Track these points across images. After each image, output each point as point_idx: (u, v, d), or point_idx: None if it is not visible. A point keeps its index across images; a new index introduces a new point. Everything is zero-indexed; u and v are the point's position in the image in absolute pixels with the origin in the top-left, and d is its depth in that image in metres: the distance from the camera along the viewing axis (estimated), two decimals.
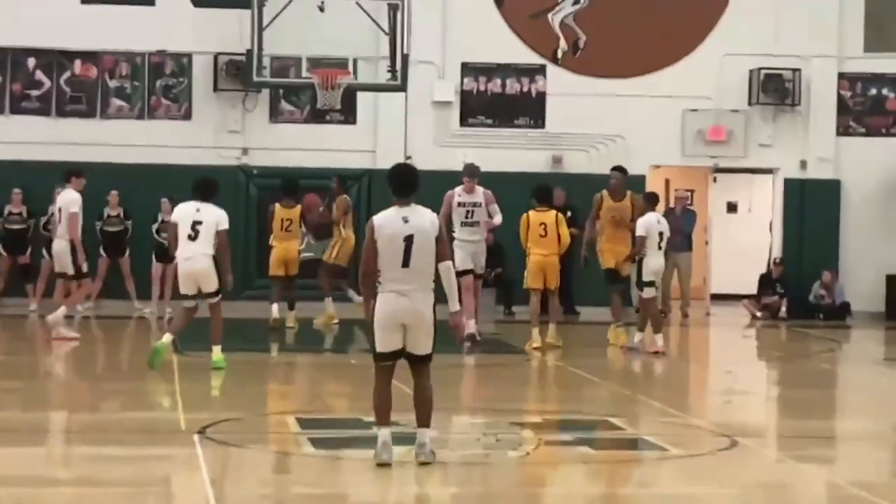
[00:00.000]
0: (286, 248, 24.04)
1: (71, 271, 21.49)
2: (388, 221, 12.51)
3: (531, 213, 21.86)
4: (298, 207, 24.19)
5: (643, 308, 22.25)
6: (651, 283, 21.96)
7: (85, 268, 21.73)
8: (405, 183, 12.72)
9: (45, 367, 20.51)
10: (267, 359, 21.14)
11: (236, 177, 27.62)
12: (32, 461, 13.01)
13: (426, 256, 12.41)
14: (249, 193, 27.90)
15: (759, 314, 28.64)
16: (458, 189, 22.22)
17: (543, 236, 21.66)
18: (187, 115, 28.22)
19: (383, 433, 12.47)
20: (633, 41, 28.90)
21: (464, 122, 28.87)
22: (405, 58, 25.63)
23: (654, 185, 29.52)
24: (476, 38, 28.62)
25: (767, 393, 20.44)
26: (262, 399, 17.28)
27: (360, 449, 13.20)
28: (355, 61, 25.58)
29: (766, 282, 29.09)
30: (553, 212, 22.06)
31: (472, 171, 22.48)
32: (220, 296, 18.47)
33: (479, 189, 22.20)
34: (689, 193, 30.70)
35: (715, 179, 30.86)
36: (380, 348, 12.51)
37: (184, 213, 18.27)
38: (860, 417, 17.56)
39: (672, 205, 29.57)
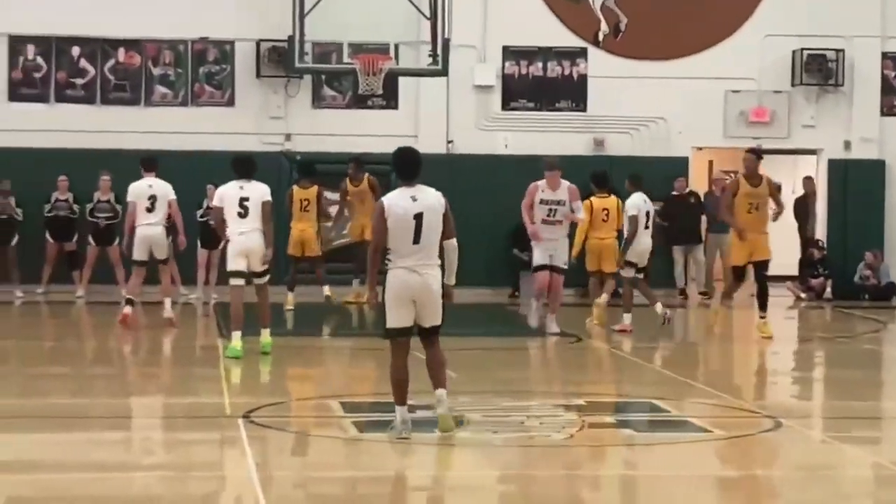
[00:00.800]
0: (303, 228, 24.27)
1: (165, 255, 22.08)
2: (398, 201, 12.88)
3: (594, 199, 22.16)
4: (315, 188, 24.40)
5: (625, 287, 22.46)
6: (633, 264, 22.17)
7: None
8: (410, 165, 13.11)
9: (92, 353, 20.63)
10: (310, 342, 21.08)
11: (279, 162, 27.69)
12: (80, 446, 13.12)
13: (434, 233, 12.85)
14: (293, 179, 27.92)
15: (803, 295, 28.59)
16: (542, 183, 21.28)
17: (605, 221, 22.10)
18: (230, 102, 28.35)
19: (401, 411, 12.81)
20: (674, 23, 28.91)
21: (505, 105, 28.92)
22: (446, 42, 25.63)
23: (697, 166, 29.66)
24: (517, 22, 28.65)
25: (812, 374, 20.41)
26: (305, 383, 17.33)
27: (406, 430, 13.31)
28: (396, 46, 25.68)
29: (809, 263, 29.03)
30: (613, 197, 22.45)
31: (554, 165, 21.42)
32: (269, 276, 18.63)
33: (565, 184, 21.15)
34: (728, 176, 30.63)
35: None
36: (392, 324, 12.86)
37: (228, 193, 18.36)
38: None
39: (712, 187, 29.51)
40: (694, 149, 29.36)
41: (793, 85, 29.25)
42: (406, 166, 13.10)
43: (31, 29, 27.81)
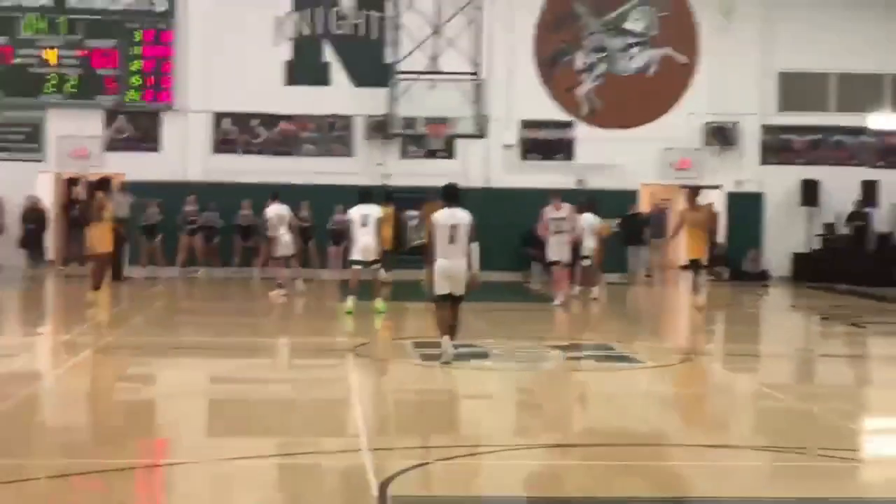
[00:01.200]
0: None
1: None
2: (442, 216, 13.28)
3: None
4: (391, 208, 24.29)
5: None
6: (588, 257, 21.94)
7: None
8: (451, 195, 13.55)
9: (267, 311, 20.84)
10: (392, 305, 21.08)
11: (380, 193, 27.75)
12: (249, 368, 13.30)
13: (463, 237, 13.08)
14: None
15: (711, 278, 28.44)
16: (549, 208, 21.01)
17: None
18: (350, 154, 28.41)
19: (445, 340, 13.12)
20: (630, 106, 28.79)
21: (523, 157, 28.87)
22: (484, 117, 25.75)
23: (644, 196, 29.53)
24: (530, 104, 28.60)
25: (713, 327, 20.40)
26: (392, 330, 17.44)
27: (455, 361, 13.41)
28: (453, 119, 25.73)
29: (714, 258, 28.88)
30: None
31: (557, 194, 21.36)
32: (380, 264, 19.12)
33: (566, 206, 20.97)
34: (666, 202, 30.61)
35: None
36: (437, 291, 13.22)
37: (357, 212, 18.49)
38: (774, 343, 17.57)
39: (653, 209, 29.49)
40: (642, 185, 29.25)
41: (705, 145, 29.08)
42: (448, 195, 13.51)
43: (227, 108, 27.96)
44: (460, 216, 13.21)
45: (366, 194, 19.01)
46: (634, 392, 12.05)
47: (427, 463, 8.17)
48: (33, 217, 27.03)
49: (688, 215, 20.24)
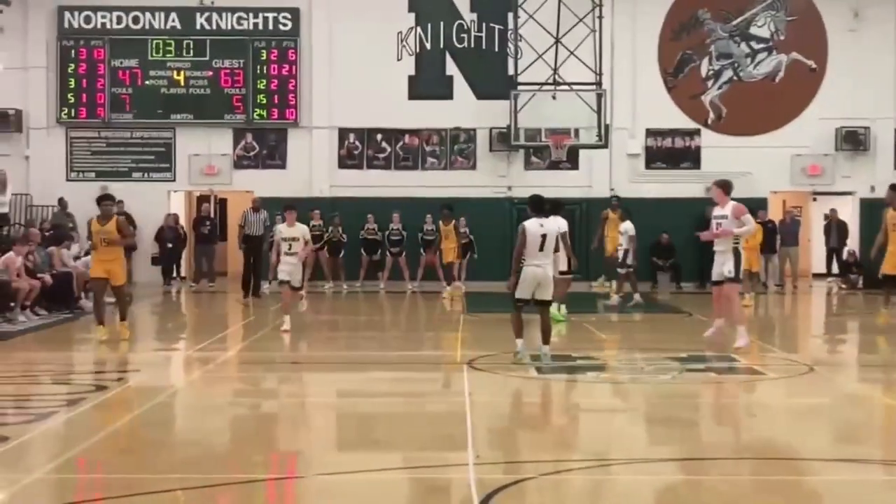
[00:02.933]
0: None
1: None
2: (532, 226, 13.88)
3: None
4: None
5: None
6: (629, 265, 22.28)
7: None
8: (539, 205, 14.18)
9: (390, 324, 20.97)
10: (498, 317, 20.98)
11: (503, 205, 27.84)
12: (367, 382, 13.38)
13: (551, 246, 13.94)
14: (512, 215, 28.04)
15: (843, 286, 27.80)
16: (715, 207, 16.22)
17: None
18: (473, 167, 28.43)
19: (520, 342, 13.93)
20: (758, 111, 28.32)
21: (647, 166, 28.56)
22: (607, 127, 25.58)
23: (774, 204, 28.94)
24: (655, 112, 28.31)
25: (842, 335, 19.87)
26: (510, 342, 17.31)
27: (568, 374, 13.30)
28: (576, 130, 25.60)
29: (846, 266, 28.24)
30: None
31: (723, 184, 16.30)
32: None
33: (731, 204, 15.88)
34: (796, 209, 29.95)
35: (815, 199, 30.07)
36: (519, 296, 13.85)
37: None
38: None
39: (784, 216, 28.87)
40: (771, 192, 28.68)
41: (836, 150, 28.40)
42: (537, 206, 14.15)
43: (351, 123, 28.25)
44: (550, 226, 13.94)
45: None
46: (751, 404, 11.78)
47: (531, 478, 8.10)
48: (171, 235, 27.72)
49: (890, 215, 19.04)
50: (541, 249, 13.80)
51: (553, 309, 18.72)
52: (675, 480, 8.36)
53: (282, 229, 17.78)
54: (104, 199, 16.91)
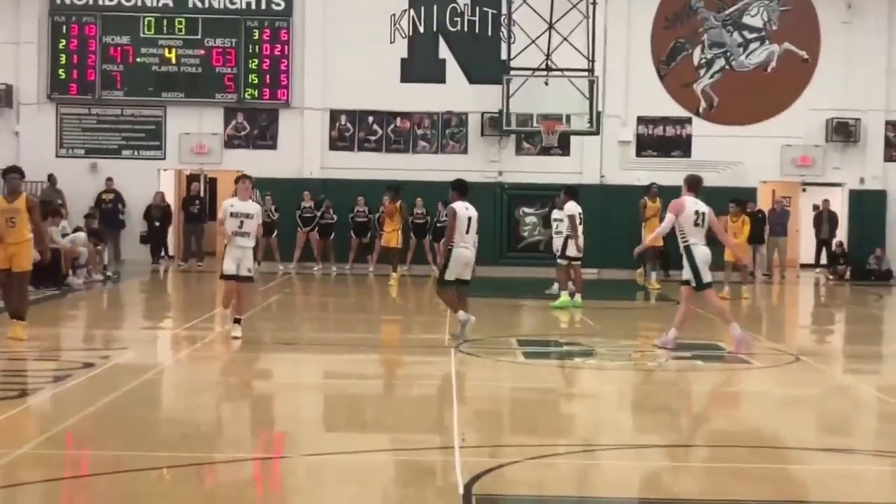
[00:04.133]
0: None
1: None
2: (460, 209, 14.52)
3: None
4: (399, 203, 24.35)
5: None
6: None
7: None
8: (464, 189, 14.81)
9: (378, 307, 21.01)
10: (504, 302, 21.06)
11: (494, 190, 27.85)
12: (354, 364, 13.40)
13: (475, 228, 14.63)
14: (502, 200, 28.10)
15: (831, 277, 27.89)
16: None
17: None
18: (465, 151, 28.43)
19: (462, 313, 14.35)
20: (749, 101, 28.37)
21: (638, 154, 28.60)
22: (598, 114, 25.58)
23: (763, 194, 28.98)
24: (647, 100, 28.35)
25: (828, 326, 19.94)
26: (497, 327, 17.35)
27: (552, 359, 13.34)
28: (568, 116, 25.58)
29: (834, 257, 28.33)
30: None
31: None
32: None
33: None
34: (785, 199, 30.00)
35: (804, 190, 30.13)
36: (449, 277, 14.48)
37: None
38: (892, 345, 17.06)
39: (774, 206, 28.92)
40: (761, 182, 28.75)
41: (826, 141, 28.46)
42: (464, 190, 14.79)
43: (343, 105, 28.23)
44: (473, 210, 14.50)
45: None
46: (736, 392, 11.83)
47: (516, 462, 8.13)
48: (158, 213, 27.67)
49: None
50: (467, 232, 14.46)
51: (565, 297, 18.89)
52: (660, 466, 8.39)
53: (234, 203, 14.31)
54: (9, 172, 14.38)
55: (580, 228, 19.33)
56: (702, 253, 13.88)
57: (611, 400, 11.38)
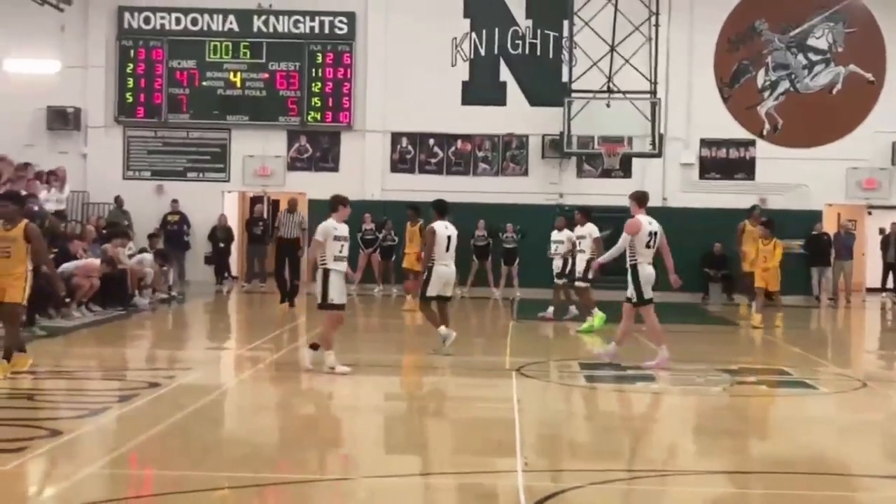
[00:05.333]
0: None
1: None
2: (440, 228, 15.08)
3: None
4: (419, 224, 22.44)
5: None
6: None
7: None
8: (445, 209, 15.42)
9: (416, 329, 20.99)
10: (562, 325, 20.91)
11: (555, 212, 27.60)
12: (409, 386, 13.35)
13: (454, 246, 15.06)
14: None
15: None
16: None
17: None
18: (525, 173, 28.45)
19: (443, 328, 14.96)
20: (814, 124, 28.13)
21: (701, 176, 28.43)
22: (661, 136, 25.48)
23: (829, 217, 28.66)
24: (709, 123, 28.21)
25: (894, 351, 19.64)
26: (558, 350, 17.27)
27: (614, 383, 13.25)
28: (629, 138, 25.50)
29: None
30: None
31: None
32: None
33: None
34: (850, 222, 29.61)
35: (870, 213, 29.74)
36: (430, 294, 15.03)
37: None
38: None
39: (839, 229, 28.56)
40: (826, 205, 28.44)
41: (892, 164, 28.16)
42: (444, 210, 15.36)
43: (404, 128, 28.37)
44: (453, 229, 14.95)
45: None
46: (802, 418, 11.66)
47: (579, 487, 8.08)
48: (223, 235, 27.93)
49: None
50: (447, 250, 14.99)
51: (589, 321, 18.58)
52: (724, 493, 8.30)
53: (337, 227, 13.40)
54: (1, 199, 13.21)
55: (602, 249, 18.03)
56: (647, 272, 14.14)
57: (674, 424, 11.28)
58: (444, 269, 15.04)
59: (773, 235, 20.47)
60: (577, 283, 19.42)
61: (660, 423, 11.39)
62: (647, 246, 14.05)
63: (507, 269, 26.87)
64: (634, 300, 14.14)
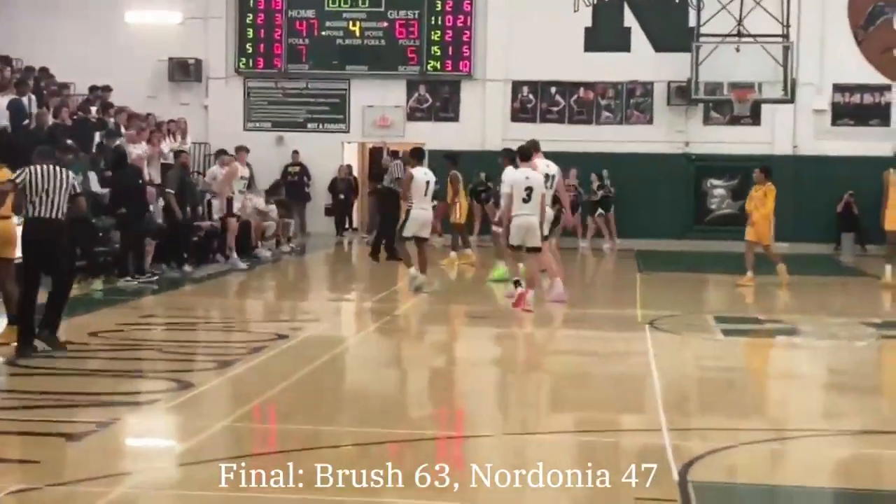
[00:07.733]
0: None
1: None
2: (418, 173, 15.97)
3: None
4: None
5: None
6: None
7: None
8: (422, 156, 16.47)
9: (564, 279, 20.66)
10: (693, 277, 20.44)
11: (680, 160, 27.15)
12: (540, 339, 13.07)
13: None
14: (688, 172, 27.36)
15: None
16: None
17: None
18: (650, 122, 27.76)
19: (413, 269, 15.83)
20: None
21: (834, 122, 27.42)
22: (793, 81, 24.60)
23: None
24: (843, 67, 27.15)
25: None
26: (691, 303, 16.76)
27: (753, 337, 12.78)
28: (760, 84, 24.68)
29: None
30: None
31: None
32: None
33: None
34: None
35: None
36: (406, 234, 15.91)
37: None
38: None
39: None
40: None
41: None
42: (417, 155, 16.38)
43: (525, 76, 27.88)
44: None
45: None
46: None
47: (731, 447, 7.68)
48: (343, 186, 27.88)
49: None
50: (425, 194, 15.85)
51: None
52: (886, 454, 7.85)
53: (529, 175, 14.26)
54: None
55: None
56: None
57: (822, 381, 10.80)
58: (422, 213, 15.95)
59: (767, 180, 18.34)
60: (493, 228, 18.10)
61: (805, 379, 10.91)
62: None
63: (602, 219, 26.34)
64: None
